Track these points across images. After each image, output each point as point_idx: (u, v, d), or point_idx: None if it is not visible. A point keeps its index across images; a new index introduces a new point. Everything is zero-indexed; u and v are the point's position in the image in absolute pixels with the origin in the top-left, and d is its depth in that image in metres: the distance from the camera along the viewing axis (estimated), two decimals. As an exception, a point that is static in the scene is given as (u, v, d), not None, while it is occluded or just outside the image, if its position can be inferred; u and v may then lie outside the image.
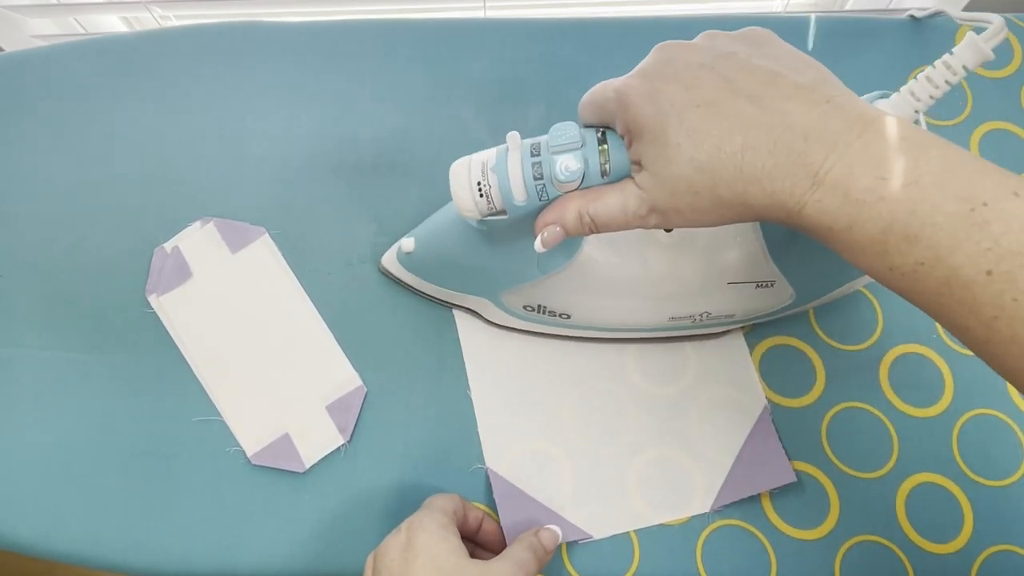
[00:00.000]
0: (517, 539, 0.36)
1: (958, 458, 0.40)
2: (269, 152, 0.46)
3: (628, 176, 0.28)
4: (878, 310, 0.43)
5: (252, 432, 0.41)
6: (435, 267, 0.40)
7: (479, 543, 0.39)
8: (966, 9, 0.70)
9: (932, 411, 0.41)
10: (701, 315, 0.39)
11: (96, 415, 0.42)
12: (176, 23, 0.79)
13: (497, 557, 0.34)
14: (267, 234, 0.44)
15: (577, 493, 0.40)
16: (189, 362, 0.42)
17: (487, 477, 0.40)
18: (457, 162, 0.31)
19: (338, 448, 0.41)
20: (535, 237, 0.31)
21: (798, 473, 0.40)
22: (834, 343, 0.43)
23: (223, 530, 0.40)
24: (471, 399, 0.42)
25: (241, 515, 0.40)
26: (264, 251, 0.44)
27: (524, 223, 0.31)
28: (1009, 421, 0.41)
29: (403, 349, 0.43)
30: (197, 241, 0.44)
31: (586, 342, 0.42)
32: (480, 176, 0.30)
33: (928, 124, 0.45)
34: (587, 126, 0.30)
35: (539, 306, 0.39)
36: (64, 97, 0.47)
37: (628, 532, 0.40)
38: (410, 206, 0.45)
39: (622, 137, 0.28)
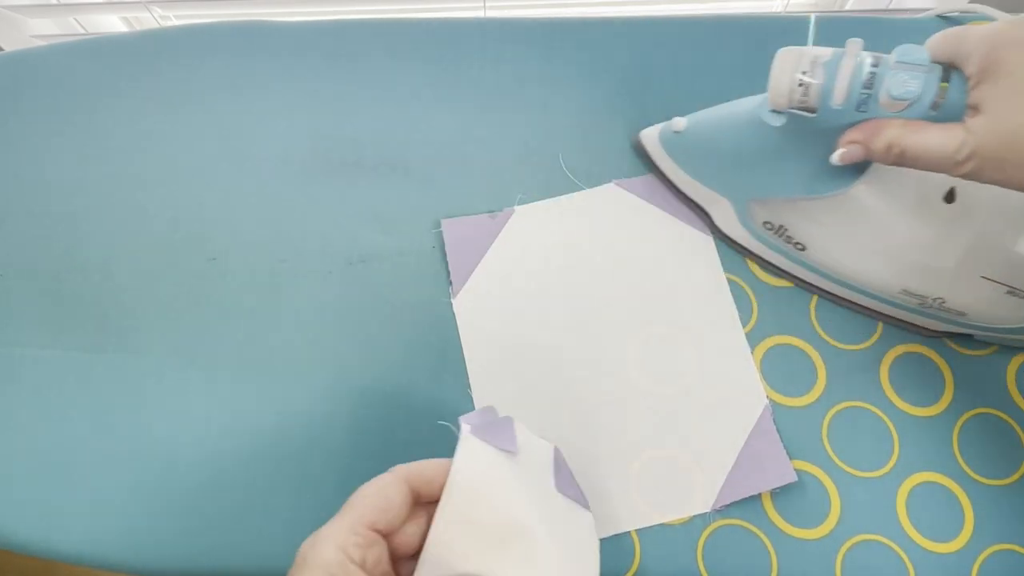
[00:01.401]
0: None
1: (959, 457, 0.40)
2: (269, 152, 0.46)
3: (957, 120, 0.28)
4: (878, 309, 0.43)
5: None
6: (697, 153, 0.39)
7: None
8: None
9: (933, 410, 0.41)
10: (935, 299, 0.37)
11: (96, 415, 0.42)
12: (176, 23, 0.79)
13: None
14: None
15: (578, 493, 0.40)
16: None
17: (488, 477, 0.40)
18: (785, 48, 0.31)
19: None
20: (835, 149, 0.31)
21: (799, 472, 0.40)
22: (835, 342, 0.43)
23: (223, 530, 0.40)
24: (471, 399, 0.42)
25: (241, 515, 0.40)
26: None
27: (820, 132, 0.31)
28: (1009, 420, 0.41)
29: (403, 349, 0.43)
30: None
31: (589, 343, 0.42)
32: (807, 67, 0.30)
33: None
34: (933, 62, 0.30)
35: (780, 227, 0.38)
36: (64, 97, 0.47)
37: (629, 531, 0.40)
38: (410, 206, 0.45)
39: (967, 80, 0.28)
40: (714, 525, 0.40)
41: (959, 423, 0.41)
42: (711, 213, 0.42)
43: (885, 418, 0.41)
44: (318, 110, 0.47)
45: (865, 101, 0.29)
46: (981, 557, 0.39)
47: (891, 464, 0.40)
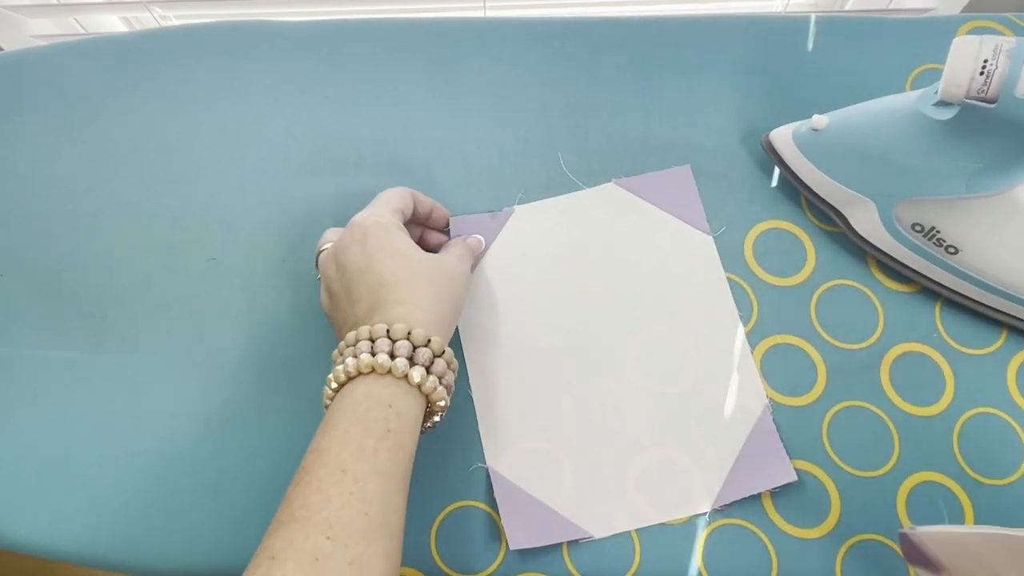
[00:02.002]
0: (450, 242, 0.43)
1: (959, 457, 0.40)
2: (269, 152, 0.46)
3: None
4: (879, 308, 0.43)
5: None
6: (839, 152, 0.38)
7: (428, 226, 0.44)
8: (966, 10, 0.70)
9: (933, 410, 0.41)
10: None
11: (96, 415, 0.42)
12: (176, 23, 0.79)
13: (442, 251, 0.41)
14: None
15: (577, 492, 0.40)
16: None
17: (487, 476, 0.40)
18: (965, 36, 0.30)
19: None
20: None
21: (799, 472, 0.40)
22: (835, 342, 0.43)
23: (223, 530, 0.40)
24: (471, 398, 0.42)
25: (241, 515, 0.40)
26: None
27: (990, 127, 0.30)
28: (1009, 420, 0.41)
29: (403, 349, 0.43)
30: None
31: (589, 343, 0.42)
32: (990, 55, 0.29)
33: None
34: None
35: (932, 229, 0.36)
36: (64, 97, 0.47)
37: (629, 531, 0.40)
38: (410, 206, 0.45)
39: None
40: (714, 525, 0.40)
41: (959, 422, 0.41)
42: (848, 216, 0.40)
43: (885, 418, 0.41)
44: (318, 110, 0.47)
45: None
46: (981, 557, 0.39)
47: (891, 464, 0.41)
